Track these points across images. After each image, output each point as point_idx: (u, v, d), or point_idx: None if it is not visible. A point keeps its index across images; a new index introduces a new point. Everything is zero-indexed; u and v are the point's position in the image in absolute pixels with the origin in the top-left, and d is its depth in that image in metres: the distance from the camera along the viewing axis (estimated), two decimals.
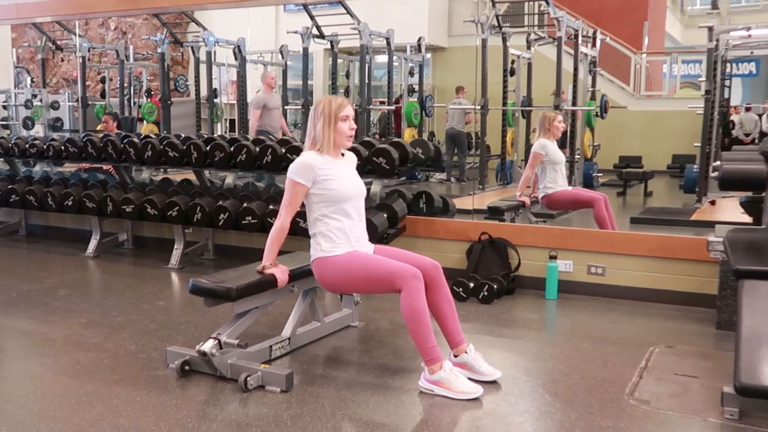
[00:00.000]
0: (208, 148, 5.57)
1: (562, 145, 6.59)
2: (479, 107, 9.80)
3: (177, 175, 6.84)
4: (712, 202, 8.38)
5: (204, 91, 11.38)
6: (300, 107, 11.20)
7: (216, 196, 5.62)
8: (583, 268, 4.94)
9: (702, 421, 2.96)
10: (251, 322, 3.53)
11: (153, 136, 5.88)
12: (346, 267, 3.33)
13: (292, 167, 3.36)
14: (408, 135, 11.11)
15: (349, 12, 9.81)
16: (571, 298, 4.89)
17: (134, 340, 3.93)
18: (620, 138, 12.71)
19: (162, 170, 7.27)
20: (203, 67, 11.27)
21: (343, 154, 3.48)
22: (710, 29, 8.35)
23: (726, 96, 10.09)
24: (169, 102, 11.30)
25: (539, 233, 5.19)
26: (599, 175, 10.61)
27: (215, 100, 11.31)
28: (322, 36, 10.92)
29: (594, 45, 11.27)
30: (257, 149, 5.42)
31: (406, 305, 3.18)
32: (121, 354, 3.73)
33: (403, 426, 2.97)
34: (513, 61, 10.79)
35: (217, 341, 3.32)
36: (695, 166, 9.07)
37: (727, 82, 9.70)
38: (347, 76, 12.27)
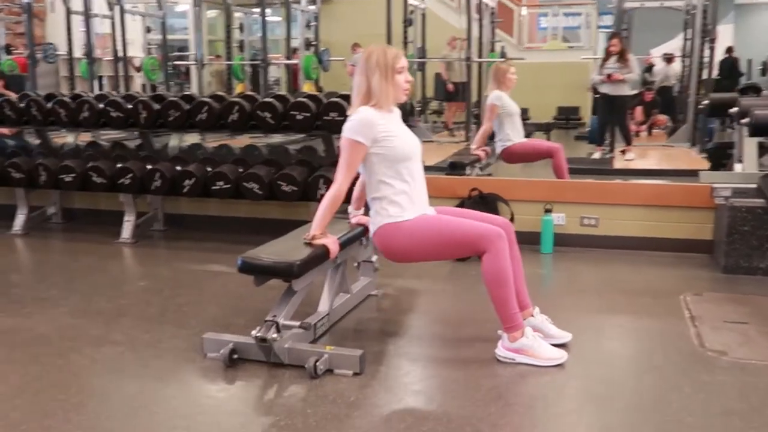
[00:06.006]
0: (159, 106, 4.93)
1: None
2: None
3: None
4: (623, 151, 8.66)
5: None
6: (195, 63, 10.38)
7: (172, 160, 5.02)
8: (576, 220, 4.88)
9: None
10: (302, 299, 3.14)
11: (89, 95, 5.12)
12: (419, 232, 3.01)
13: (349, 125, 2.97)
14: (307, 89, 10.66)
15: None
16: (565, 251, 4.81)
17: (143, 329, 3.41)
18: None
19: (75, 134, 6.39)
20: (76, 19, 10.21)
21: (391, 110, 3.13)
22: None
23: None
24: (36, 58, 10.15)
25: (530, 187, 5.07)
26: None
27: None
28: None
29: None
30: (220, 106, 4.86)
31: (490, 268, 2.94)
32: (139, 346, 3.21)
33: (513, 397, 2.75)
34: (411, 12, 10.60)
35: (274, 324, 2.93)
36: None
37: (625, 33, 9.99)
38: (241, 29, 11.53)
